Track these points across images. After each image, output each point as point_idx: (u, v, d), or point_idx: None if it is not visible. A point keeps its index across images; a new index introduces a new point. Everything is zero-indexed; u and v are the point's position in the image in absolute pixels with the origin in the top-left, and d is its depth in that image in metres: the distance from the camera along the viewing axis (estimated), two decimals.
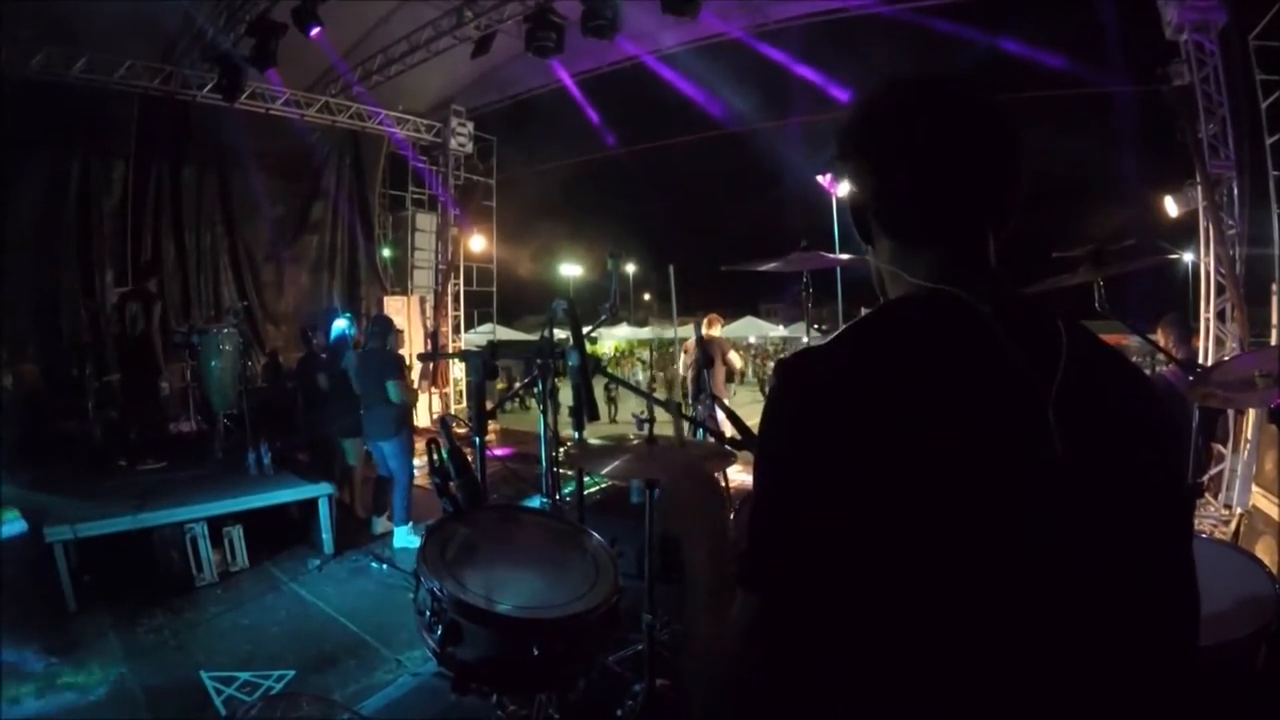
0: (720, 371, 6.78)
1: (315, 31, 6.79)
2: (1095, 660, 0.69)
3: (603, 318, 3.14)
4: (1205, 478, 5.18)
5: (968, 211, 0.84)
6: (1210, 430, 5.10)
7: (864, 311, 0.88)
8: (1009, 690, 0.68)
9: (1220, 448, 5.30)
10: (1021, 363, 0.74)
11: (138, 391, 6.72)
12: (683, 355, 7.15)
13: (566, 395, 2.64)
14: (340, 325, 6.29)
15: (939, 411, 0.71)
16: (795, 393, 0.77)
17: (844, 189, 0.92)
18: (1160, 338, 4.55)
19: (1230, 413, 4.93)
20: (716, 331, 7.14)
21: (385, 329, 5.47)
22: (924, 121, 0.83)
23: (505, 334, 16.75)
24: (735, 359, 7.41)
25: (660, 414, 2.75)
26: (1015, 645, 0.68)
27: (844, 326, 0.85)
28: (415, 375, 7.64)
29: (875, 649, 0.70)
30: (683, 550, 0.93)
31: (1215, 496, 5.25)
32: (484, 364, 3.17)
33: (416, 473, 5.54)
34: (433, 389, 10.20)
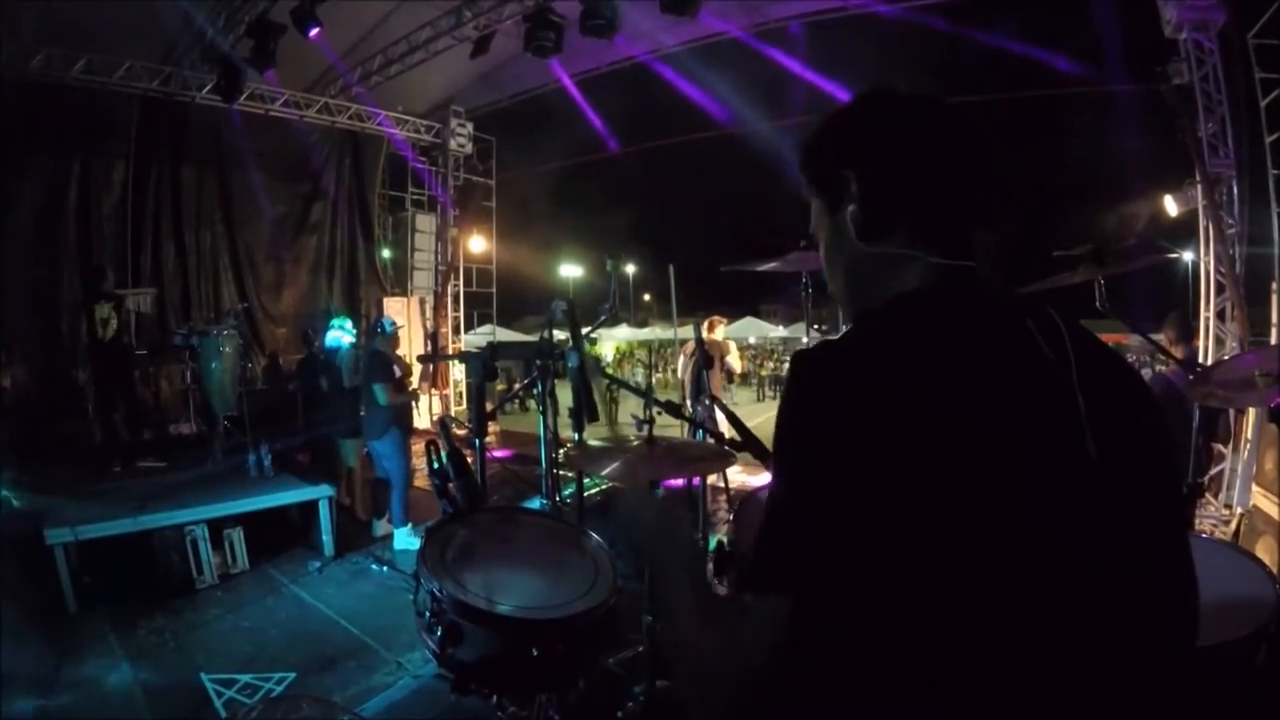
0: (718, 374, 6.75)
1: (314, 32, 6.78)
2: (1098, 657, 0.69)
3: (602, 319, 3.14)
4: (1205, 478, 5.17)
5: (953, 213, 0.85)
6: (1210, 430, 5.10)
7: None
8: (1020, 686, 0.68)
9: (1220, 447, 5.29)
10: (1040, 359, 0.74)
11: (113, 395, 6.69)
12: (682, 356, 7.15)
13: (566, 396, 2.64)
14: (335, 337, 6.29)
15: (972, 405, 0.70)
16: (820, 384, 0.75)
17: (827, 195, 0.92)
18: (1162, 337, 4.55)
19: (1230, 412, 4.93)
20: (718, 335, 7.12)
21: (377, 330, 5.49)
22: (930, 121, 0.85)
23: (505, 335, 16.71)
24: (734, 363, 7.39)
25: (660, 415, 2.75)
26: (1036, 641, 0.68)
27: (854, 324, 0.84)
28: (415, 376, 7.64)
29: (896, 637, 0.69)
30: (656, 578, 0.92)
31: (1215, 496, 5.25)
32: (484, 365, 3.17)
33: (415, 474, 5.55)
34: (433, 390, 10.20)
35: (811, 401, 0.75)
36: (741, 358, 10.06)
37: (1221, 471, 5.25)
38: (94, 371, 6.67)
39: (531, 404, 2.90)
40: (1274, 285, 5.35)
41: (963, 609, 0.68)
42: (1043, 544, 0.69)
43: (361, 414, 5.43)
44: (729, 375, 7.45)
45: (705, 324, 6.94)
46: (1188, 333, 4.86)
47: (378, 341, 5.39)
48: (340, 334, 6.32)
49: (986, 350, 0.75)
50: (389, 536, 5.34)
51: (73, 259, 7.86)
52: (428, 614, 1.58)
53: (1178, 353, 4.41)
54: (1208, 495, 5.25)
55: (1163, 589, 0.76)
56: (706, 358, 6.34)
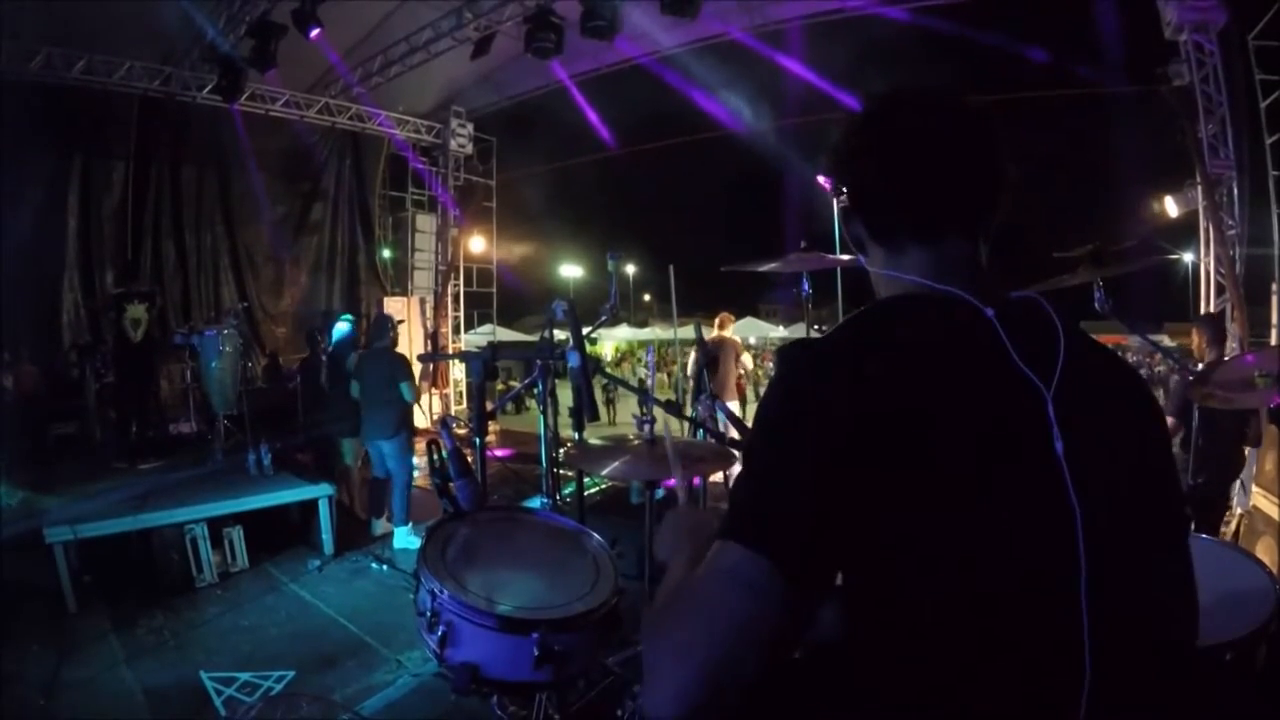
0: (731, 374, 6.71)
1: (315, 33, 6.78)
2: (1093, 658, 0.69)
3: (603, 318, 3.14)
4: (1237, 482, 4.97)
5: (954, 215, 0.85)
6: (1240, 433, 4.76)
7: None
8: (1001, 686, 0.68)
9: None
10: (1019, 358, 0.75)
11: (137, 393, 6.69)
12: (692, 355, 7.13)
13: (566, 396, 2.64)
14: (342, 329, 6.29)
15: (940, 401, 0.71)
16: (798, 376, 0.78)
17: (839, 201, 0.93)
18: (1195, 338, 4.40)
19: (1261, 414, 4.80)
20: (729, 331, 7.06)
21: (385, 328, 5.49)
22: (905, 133, 0.85)
23: (505, 335, 16.73)
24: (748, 360, 7.35)
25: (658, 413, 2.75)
26: (1009, 638, 0.68)
27: (843, 319, 0.86)
28: (415, 375, 7.65)
29: (859, 619, 0.72)
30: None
31: None
32: (484, 365, 3.17)
33: (417, 473, 5.54)
34: (433, 390, 10.20)
35: (784, 388, 0.79)
36: (750, 359, 10.08)
37: None
38: (119, 371, 6.63)
39: (532, 403, 2.90)
40: (1274, 286, 5.34)
41: (922, 598, 0.69)
42: (1006, 541, 0.69)
43: (363, 414, 5.42)
44: (744, 374, 7.39)
45: (716, 321, 6.92)
46: (1220, 334, 4.51)
47: (388, 340, 5.40)
48: (346, 326, 6.33)
49: (949, 351, 0.76)
50: (388, 535, 5.34)
51: (73, 258, 7.87)
52: (428, 613, 1.58)
53: (1211, 355, 4.18)
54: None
55: (1158, 586, 0.76)
56: (708, 356, 6.36)
